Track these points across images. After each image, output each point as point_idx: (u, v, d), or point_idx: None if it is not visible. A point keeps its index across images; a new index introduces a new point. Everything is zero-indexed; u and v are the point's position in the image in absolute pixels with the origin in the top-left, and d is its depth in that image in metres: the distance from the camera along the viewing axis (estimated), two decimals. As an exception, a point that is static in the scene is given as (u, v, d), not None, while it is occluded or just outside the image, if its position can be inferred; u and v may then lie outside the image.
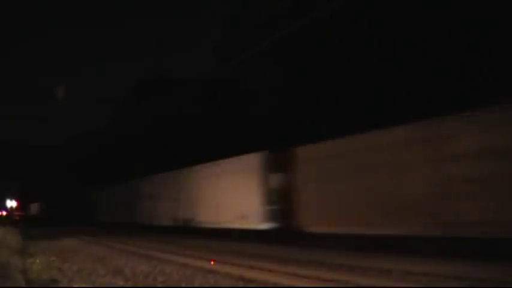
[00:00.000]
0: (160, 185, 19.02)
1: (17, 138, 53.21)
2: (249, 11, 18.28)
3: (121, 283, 5.02)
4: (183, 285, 4.83)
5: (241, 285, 4.81)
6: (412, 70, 11.63)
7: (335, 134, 10.38)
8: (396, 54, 12.01)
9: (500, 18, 9.56)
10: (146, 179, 20.72)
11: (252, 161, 12.50)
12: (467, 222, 7.15)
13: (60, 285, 4.86)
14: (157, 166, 20.71)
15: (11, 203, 56.90)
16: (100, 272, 5.83)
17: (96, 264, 6.60)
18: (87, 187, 31.60)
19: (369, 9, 12.73)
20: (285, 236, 10.89)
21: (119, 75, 75.70)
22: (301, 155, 11.04)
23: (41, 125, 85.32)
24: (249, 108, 17.14)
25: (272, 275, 5.53)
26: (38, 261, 6.74)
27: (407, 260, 6.79)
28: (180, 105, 21.80)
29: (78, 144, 39.89)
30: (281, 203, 11.25)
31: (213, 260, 6.90)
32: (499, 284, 4.95)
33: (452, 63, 10.47)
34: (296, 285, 4.87)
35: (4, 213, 53.79)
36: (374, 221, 8.63)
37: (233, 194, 13.20)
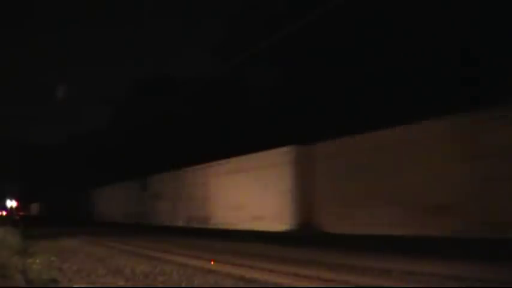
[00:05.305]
0: (162, 185, 19.02)
1: (17, 138, 53.23)
2: (249, 11, 18.28)
3: (121, 283, 5.02)
4: (183, 285, 4.82)
5: (241, 286, 4.81)
6: (411, 68, 11.62)
7: (334, 133, 10.38)
8: (396, 54, 12.00)
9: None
10: (147, 179, 20.70)
11: (279, 157, 11.51)
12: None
13: (60, 285, 4.86)
14: (158, 166, 20.71)
15: (11, 203, 56.87)
16: (100, 272, 5.83)
17: (96, 264, 6.59)
18: (87, 187, 31.58)
19: (368, 10, 12.73)
20: (306, 237, 10.45)
21: (119, 75, 75.68)
22: (320, 151, 10.58)
23: (41, 125, 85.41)
24: (249, 108, 17.14)
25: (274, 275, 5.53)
26: (38, 261, 6.73)
27: (407, 260, 6.79)
28: (180, 104, 21.80)
29: (78, 144, 39.91)
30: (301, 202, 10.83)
31: (213, 260, 6.89)
32: (499, 284, 4.95)
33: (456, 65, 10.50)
34: (296, 285, 4.87)
35: (4, 213, 53.74)
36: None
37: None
